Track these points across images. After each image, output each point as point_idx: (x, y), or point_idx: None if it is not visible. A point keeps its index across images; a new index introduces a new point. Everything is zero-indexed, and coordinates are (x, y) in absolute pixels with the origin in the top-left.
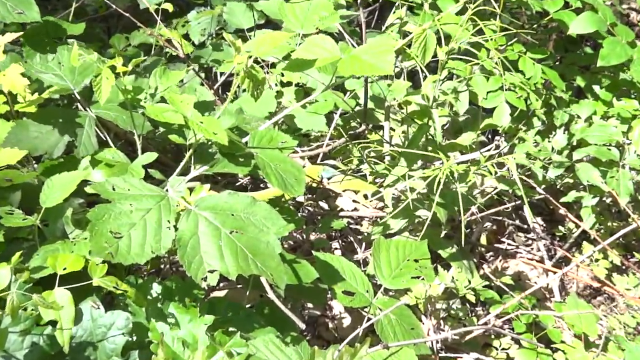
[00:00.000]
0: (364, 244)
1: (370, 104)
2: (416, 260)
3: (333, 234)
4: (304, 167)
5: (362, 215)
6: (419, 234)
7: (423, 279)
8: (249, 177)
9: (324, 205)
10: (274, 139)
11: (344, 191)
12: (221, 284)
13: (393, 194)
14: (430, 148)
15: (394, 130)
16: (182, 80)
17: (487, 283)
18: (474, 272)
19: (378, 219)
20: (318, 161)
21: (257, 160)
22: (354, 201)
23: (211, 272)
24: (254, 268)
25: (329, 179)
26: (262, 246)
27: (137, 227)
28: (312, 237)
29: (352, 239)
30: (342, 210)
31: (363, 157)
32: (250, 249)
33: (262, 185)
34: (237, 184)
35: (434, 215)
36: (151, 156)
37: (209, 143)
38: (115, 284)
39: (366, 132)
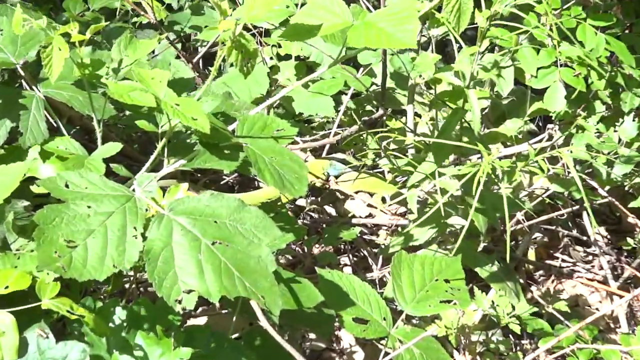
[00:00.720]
0: (380, 260)
1: (390, 83)
2: (447, 281)
3: (342, 246)
4: (305, 161)
5: (378, 223)
6: (450, 247)
7: (455, 303)
8: (236, 175)
9: (330, 210)
10: (268, 127)
11: (356, 193)
12: (200, 309)
13: (418, 197)
14: (465, 139)
15: (419, 116)
16: (153, 52)
17: (535, 310)
18: (520, 296)
19: (399, 228)
20: (323, 154)
21: (246, 152)
22: (368, 205)
23: (188, 292)
24: (242, 289)
25: (337, 177)
26: (252, 262)
27: (96, 234)
28: (316, 250)
29: (365, 252)
30: (353, 216)
31: (380, 149)
32: (237, 265)
33: (252, 185)
34: (222, 182)
35: (471, 223)
36: (114, 147)
37: (187, 131)
38: (69, 307)
39: (384, 118)
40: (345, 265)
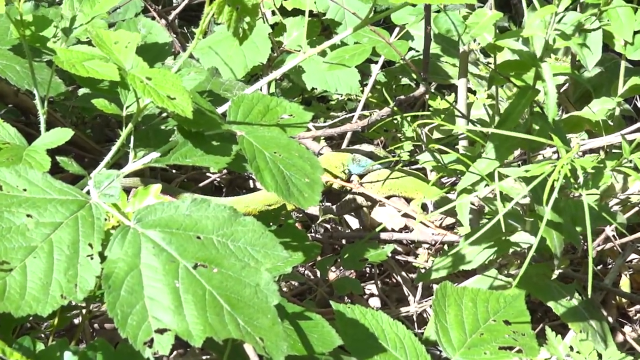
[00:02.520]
0: (420, 289)
1: (435, 49)
2: (507, 322)
3: (368, 270)
4: (319, 154)
5: (417, 239)
6: (515, 273)
7: (520, 351)
8: (225, 173)
9: (352, 221)
10: (270, 111)
11: (387, 198)
12: (176, 352)
13: (471, 205)
14: (536, 127)
15: (474, 93)
16: (116, 9)
17: (630, 358)
18: (608, 339)
19: (445, 247)
20: (344, 145)
21: (241, 145)
22: (404, 215)
23: (161, 332)
24: (233, 328)
25: (361, 176)
26: (248, 292)
27: (38, 253)
28: (333, 275)
29: (399, 279)
30: (383, 230)
31: (421, 139)
32: (227, 296)
33: (246, 185)
34: (205, 182)
35: (542, 242)
36: (62, 134)
37: (162, 115)
38: None
39: (426, 96)
40: (372, 295)
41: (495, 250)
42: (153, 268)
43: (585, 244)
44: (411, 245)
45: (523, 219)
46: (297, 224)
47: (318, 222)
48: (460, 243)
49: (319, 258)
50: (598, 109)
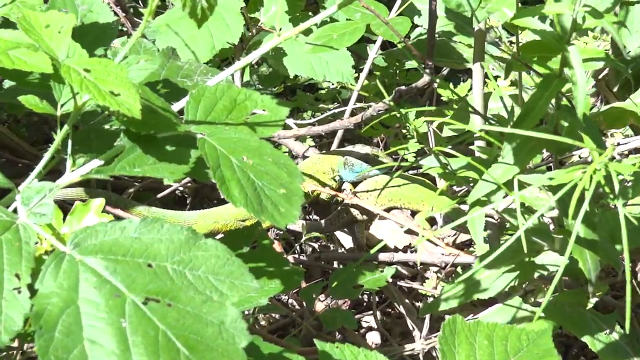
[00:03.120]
0: (427, 321)
1: (447, 26)
2: None
3: (365, 297)
4: (303, 158)
5: (424, 260)
6: (542, 301)
7: None
8: (190, 180)
9: (345, 238)
10: (238, 106)
11: (387, 210)
12: None
13: (490, 219)
14: (565, 124)
15: (492, 80)
16: None
17: None
18: None
19: (459, 270)
20: (334, 146)
21: (202, 150)
22: (407, 232)
23: None
24: None
25: (355, 184)
26: (210, 331)
27: None
28: (321, 304)
29: (402, 309)
30: (383, 249)
31: (427, 139)
32: (184, 337)
33: (215, 196)
34: (165, 193)
35: (573, 263)
36: None
37: (105, 114)
38: None
39: (434, 85)
40: (371, 329)
41: (517, 274)
42: (94, 304)
43: (624, 267)
44: (418, 268)
45: (551, 237)
46: (276, 244)
47: (302, 240)
48: (475, 266)
49: (303, 284)
50: None
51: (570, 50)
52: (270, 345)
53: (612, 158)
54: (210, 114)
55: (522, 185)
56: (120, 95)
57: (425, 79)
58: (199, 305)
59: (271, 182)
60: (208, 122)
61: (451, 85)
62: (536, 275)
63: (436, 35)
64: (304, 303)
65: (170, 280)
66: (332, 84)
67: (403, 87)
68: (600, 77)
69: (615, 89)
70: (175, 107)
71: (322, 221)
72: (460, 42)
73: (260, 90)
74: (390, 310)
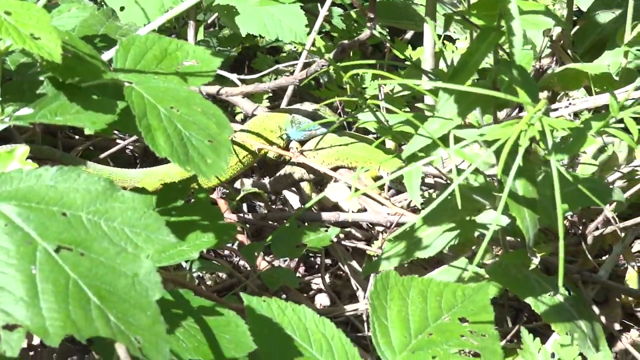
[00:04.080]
0: (371, 282)
1: None
2: (464, 321)
3: (314, 259)
4: (252, 117)
5: (369, 220)
6: (489, 263)
7: (478, 355)
8: (138, 140)
9: (293, 198)
10: (169, 56)
11: (334, 169)
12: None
13: (438, 179)
14: (506, 79)
15: (452, 41)
16: None
17: None
18: (601, 344)
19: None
20: (283, 105)
21: (128, 98)
22: (363, 194)
23: (10, 329)
24: (101, 325)
25: (302, 142)
26: (123, 283)
27: None
28: (266, 264)
29: (347, 270)
30: (338, 209)
31: (378, 96)
32: (96, 287)
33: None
34: (113, 151)
35: (515, 223)
36: None
37: (29, 60)
38: None
39: (389, 43)
40: (320, 291)
41: (457, 233)
42: (5, 250)
43: (581, 225)
44: (369, 230)
45: (492, 195)
46: (222, 202)
47: (238, 197)
48: (416, 225)
49: (250, 242)
50: (611, 62)
51: (511, 1)
52: (200, 299)
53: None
54: (139, 63)
55: (458, 141)
56: (40, 39)
57: (367, 32)
58: (113, 256)
59: (199, 133)
60: (137, 71)
61: (410, 49)
62: (476, 234)
63: None
64: (245, 265)
65: (85, 230)
66: (294, 47)
67: (345, 41)
68: (554, 38)
69: (581, 53)
70: (105, 56)
71: (268, 180)
72: (422, 4)
73: (219, 52)
74: (341, 273)
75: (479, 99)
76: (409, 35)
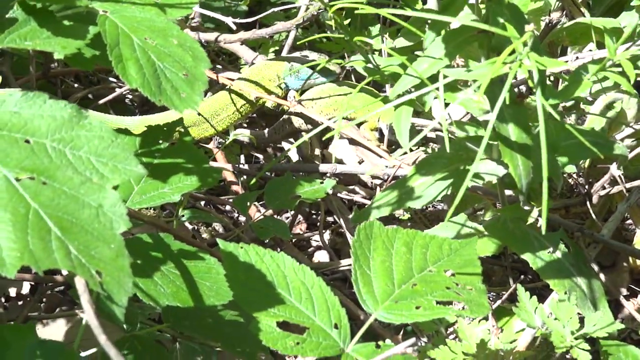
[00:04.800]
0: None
1: None
2: (451, 274)
3: (318, 216)
4: (250, 65)
5: (366, 172)
6: (489, 220)
7: (463, 309)
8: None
9: (290, 151)
10: None
11: (332, 120)
12: None
13: (438, 132)
14: (501, 20)
15: None
16: None
17: (619, 325)
18: (600, 303)
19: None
20: (284, 53)
21: (101, 27)
22: (362, 146)
23: None
24: (61, 257)
25: (301, 92)
26: (87, 214)
27: None
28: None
29: (342, 222)
30: (339, 162)
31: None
32: (57, 217)
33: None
34: (109, 98)
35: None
36: None
37: None
38: None
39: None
40: (320, 248)
41: (450, 182)
42: None
43: (585, 180)
44: (373, 185)
45: (488, 144)
46: (219, 154)
47: (228, 141)
48: (409, 174)
49: (243, 193)
50: (628, 22)
51: None
52: (181, 244)
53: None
54: None
55: (456, 87)
56: None
57: None
58: (77, 186)
59: (173, 65)
60: (113, 0)
61: (420, 3)
62: (472, 184)
63: None
64: (237, 216)
65: (48, 158)
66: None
67: None
68: None
69: (601, 12)
70: None
71: (265, 130)
72: None
73: (227, 5)
74: (342, 230)
75: (469, 38)
76: None
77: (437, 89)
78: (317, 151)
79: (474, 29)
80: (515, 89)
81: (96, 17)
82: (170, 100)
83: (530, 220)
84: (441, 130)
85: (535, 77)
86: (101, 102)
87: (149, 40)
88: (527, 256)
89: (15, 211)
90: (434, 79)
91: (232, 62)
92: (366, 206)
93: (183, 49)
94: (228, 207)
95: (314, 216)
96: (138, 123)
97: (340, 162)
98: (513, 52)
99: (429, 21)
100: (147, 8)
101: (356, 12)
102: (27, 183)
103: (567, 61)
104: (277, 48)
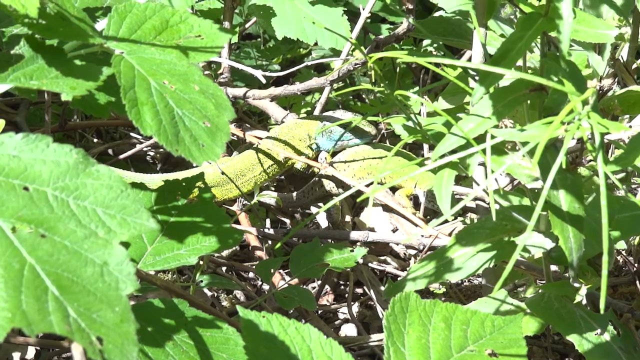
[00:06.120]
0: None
1: (462, 3)
2: (493, 355)
3: (341, 284)
4: (280, 123)
5: (400, 241)
6: (531, 296)
7: None
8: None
9: (320, 215)
10: (170, 29)
11: (366, 186)
12: None
13: (479, 202)
14: (555, 79)
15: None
16: None
17: None
18: None
19: None
20: (317, 112)
21: (116, 67)
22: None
23: None
24: (58, 320)
25: (333, 153)
26: (89, 272)
27: None
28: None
29: (372, 294)
30: (371, 230)
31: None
32: (56, 275)
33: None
34: (130, 153)
35: (560, 251)
36: None
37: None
38: None
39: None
40: (347, 321)
41: (493, 254)
42: None
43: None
44: (406, 255)
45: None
46: (243, 215)
47: (253, 201)
48: (448, 244)
49: (264, 258)
50: None
51: None
52: (197, 312)
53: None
54: (135, 32)
55: (503, 151)
56: None
57: (405, 24)
58: (80, 240)
59: (194, 112)
60: (130, 40)
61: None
62: (516, 257)
63: (452, 14)
64: (259, 283)
65: (49, 208)
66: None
67: (381, 37)
68: (617, 56)
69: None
70: (98, 26)
71: (294, 193)
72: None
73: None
74: (372, 303)
75: (520, 97)
76: (466, 56)
77: (484, 151)
78: (348, 218)
79: (525, 86)
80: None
81: (107, 54)
82: (188, 151)
83: (578, 298)
84: (481, 199)
85: (596, 140)
86: (121, 157)
87: (168, 85)
88: (573, 337)
89: (8, 266)
90: (479, 140)
91: (261, 121)
92: (400, 278)
93: (205, 96)
94: (251, 275)
95: (342, 287)
96: (158, 181)
97: (372, 230)
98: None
99: (477, 77)
100: (168, 50)
101: (398, 61)
102: (23, 235)
103: (630, 125)
104: (309, 109)
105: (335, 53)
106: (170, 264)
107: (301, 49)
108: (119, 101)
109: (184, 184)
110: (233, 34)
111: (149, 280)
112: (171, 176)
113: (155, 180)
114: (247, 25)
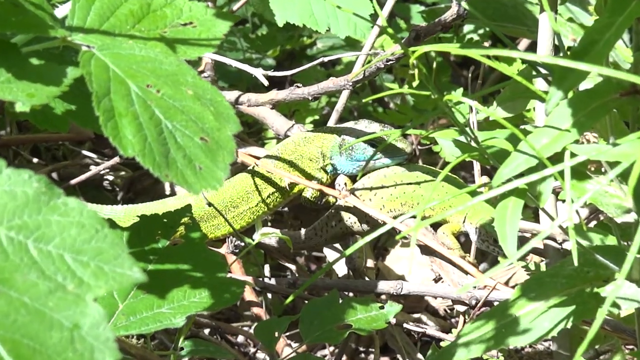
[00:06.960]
0: None
1: None
2: None
3: (362, 348)
4: (284, 137)
5: (445, 294)
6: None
7: None
8: (122, 165)
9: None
10: (153, 13)
11: (395, 217)
12: None
13: (549, 241)
14: None
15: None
16: None
17: None
18: None
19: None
20: (331, 122)
21: (85, 67)
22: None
23: None
24: None
25: (353, 177)
26: (56, 338)
27: None
28: (289, 350)
29: None
30: (401, 279)
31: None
32: (11, 343)
33: (161, 190)
34: (83, 178)
35: None
36: None
37: None
38: None
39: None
40: None
41: (571, 310)
42: None
43: None
44: (452, 319)
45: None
46: (235, 263)
47: (253, 244)
48: (512, 298)
49: (264, 317)
50: None
51: None
52: None
53: None
54: (107, 20)
55: (584, 174)
56: None
57: (454, 8)
58: (44, 296)
59: (187, 125)
60: (101, 32)
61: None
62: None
63: None
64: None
65: (3, 255)
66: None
67: (422, 25)
68: None
69: None
70: (59, 12)
71: (303, 231)
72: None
73: (248, 57)
74: None
75: (607, 103)
76: (522, 47)
77: (561, 174)
78: (370, 262)
79: (615, 89)
80: None
81: (77, 55)
82: (181, 176)
83: None
84: (551, 237)
85: None
86: (72, 182)
87: (153, 89)
88: None
89: None
90: (553, 160)
91: (253, 133)
92: (445, 342)
93: (201, 103)
94: (240, 339)
95: (362, 355)
96: (122, 215)
97: (402, 278)
98: None
99: (550, 78)
100: (151, 44)
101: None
102: None
103: None
104: (316, 117)
105: (349, 43)
106: (149, 326)
107: (304, 38)
108: (81, 110)
109: (165, 220)
110: (233, 20)
111: (122, 348)
112: (139, 208)
113: (117, 211)
114: (235, 8)
